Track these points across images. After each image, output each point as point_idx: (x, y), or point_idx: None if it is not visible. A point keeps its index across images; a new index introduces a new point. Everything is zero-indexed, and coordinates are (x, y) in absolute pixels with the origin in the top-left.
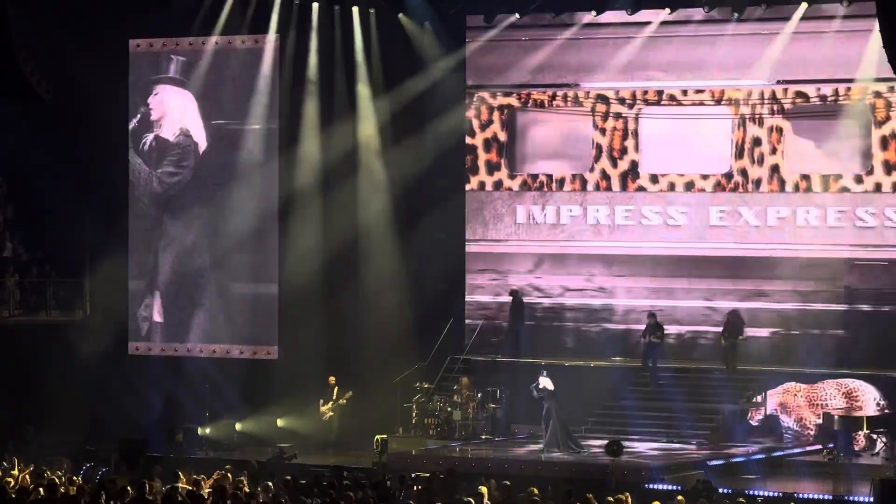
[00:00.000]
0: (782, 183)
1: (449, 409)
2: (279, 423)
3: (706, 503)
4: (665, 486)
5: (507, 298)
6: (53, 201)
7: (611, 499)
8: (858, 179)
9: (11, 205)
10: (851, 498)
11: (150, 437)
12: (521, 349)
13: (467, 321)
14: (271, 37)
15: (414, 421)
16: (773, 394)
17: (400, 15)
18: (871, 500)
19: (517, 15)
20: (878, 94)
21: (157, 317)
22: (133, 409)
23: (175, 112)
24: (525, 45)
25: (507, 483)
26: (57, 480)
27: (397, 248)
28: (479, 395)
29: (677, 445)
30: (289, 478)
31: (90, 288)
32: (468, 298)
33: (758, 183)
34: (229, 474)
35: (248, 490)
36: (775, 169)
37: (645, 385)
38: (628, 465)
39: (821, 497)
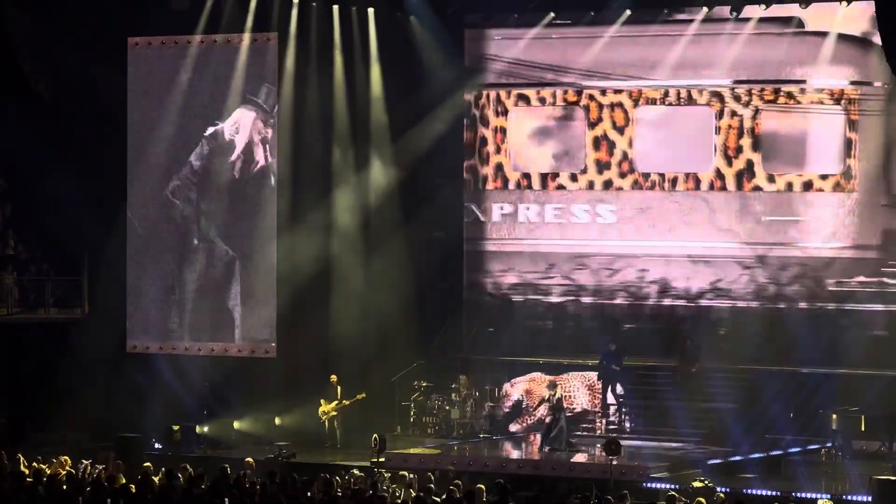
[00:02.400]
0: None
1: (447, 407)
2: (277, 421)
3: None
4: (663, 486)
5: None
6: (52, 199)
7: (610, 497)
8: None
9: (10, 203)
10: (850, 497)
11: (148, 436)
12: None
13: (466, 319)
14: (270, 35)
15: (412, 419)
16: (521, 381)
17: (399, 13)
18: (870, 499)
19: (515, 14)
20: None
21: (157, 315)
22: (132, 408)
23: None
24: (524, 42)
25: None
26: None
27: (396, 246)
28: (478, 394)
29: (675, 444)
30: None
31: (89, 286)
32: (466, 297)
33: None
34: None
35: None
36: None
37: (646, 384)
38: (626, 464)
39: (819, 496)
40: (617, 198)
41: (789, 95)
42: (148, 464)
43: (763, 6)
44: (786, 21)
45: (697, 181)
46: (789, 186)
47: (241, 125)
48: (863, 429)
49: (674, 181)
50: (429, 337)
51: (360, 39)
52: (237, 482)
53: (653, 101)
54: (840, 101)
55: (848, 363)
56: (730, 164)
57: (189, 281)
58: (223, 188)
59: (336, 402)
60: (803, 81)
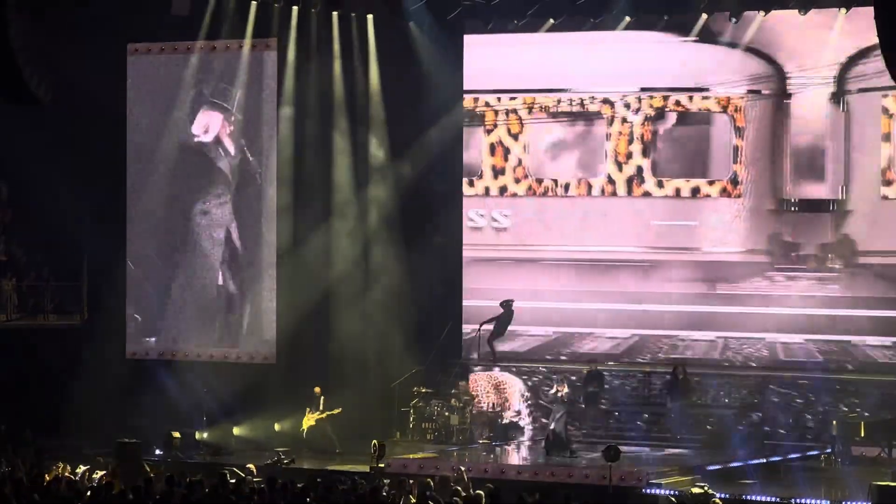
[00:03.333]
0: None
1: (447, 413)
2: (277, 427)
3: None
4: (662, 492)
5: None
6: (52, 205)
7: None
8: None
9: (10, 208)
10: (849, 503)
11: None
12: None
13: (465, 325)
14: (270, 43)
15: (412, 425)
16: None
17: (398, 19)
18: None
19: (515, 21)
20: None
21: (156, 321)
22: (131, 414)
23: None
24: (523, 49)
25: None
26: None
27: (395, 253)
28: (477, 400)
29: (675, 450)
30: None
31: (88, 292)
32: (466, 303)
33: None
34: None
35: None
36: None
37: (644, 390)
38: (625, 470)
39: (818, 502)
40: (512, 203)
41: (677, 103)
42: (148, 468)
43: (762, 13)
44: (682, 30)
45: (589, 187)
46: (678, 192)
47: (232, 129)
48: (862, 434)
49: (566, 186)
50: (428, 342)
51: (360, 46)
52: (237, 488)
53: (545, 109)
54: (727, 109)
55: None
56: (620, 169)
57: (189, 287)
58: (222, 194)
59: (317, 413)
60: (692, 89)
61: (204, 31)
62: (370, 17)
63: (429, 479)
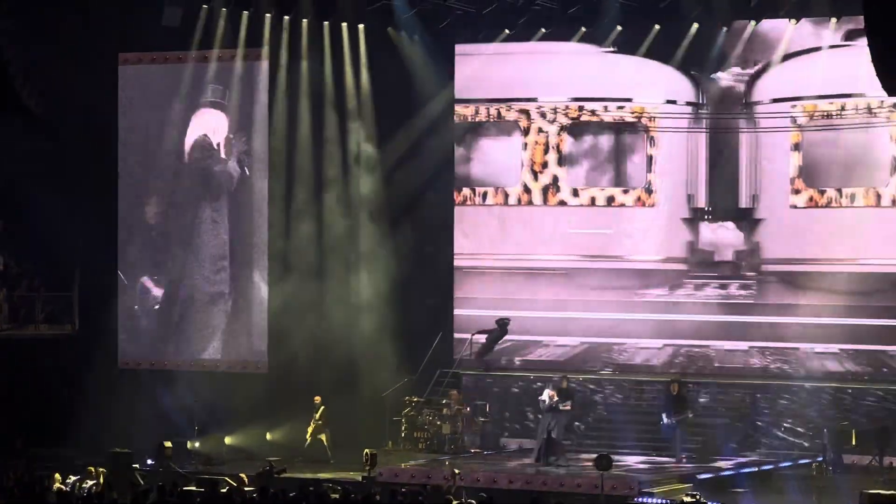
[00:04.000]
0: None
1: (438, 422)
2: (268, 437)
3: None
4: (654, 500)
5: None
6: (43, 215)
7: None
8: None
9: (1, 218)
10: None
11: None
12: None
13: (456, 335)
14: (262, 52)
15: (403, 434)
16: None
17: (389, 29)
18: None
19: (506, 30)
20: None
21: (148, 331)
22: (123, 424)
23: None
24: (513, 59)
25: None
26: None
27: (387, 262)
28: (468, 409)
29: (666, 459)
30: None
31: (79, 302)
32: (457, 312)
33: None
34: None
35: None
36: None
37: (636, 399)
38: (617, 479)
39: None
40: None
41: (593, 113)
42: (140, 478)
43: (752, 23)
44: (600, 41)
45: (506, 195)
46: (592, 201)
47: (223, 139)
48: (853, 443)
49: (484, 195)
50: (420, 352)
51: (351, 55)
52: (227, 498)
53: (464, 118)
54: (640, 119)
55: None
56: (536, 178)
57: (180, 297)
58: (215, 203)
59: (314, 421)
60: (608, 99)
61: (195, 40)
62: (361, 27)
63: (423, 487)
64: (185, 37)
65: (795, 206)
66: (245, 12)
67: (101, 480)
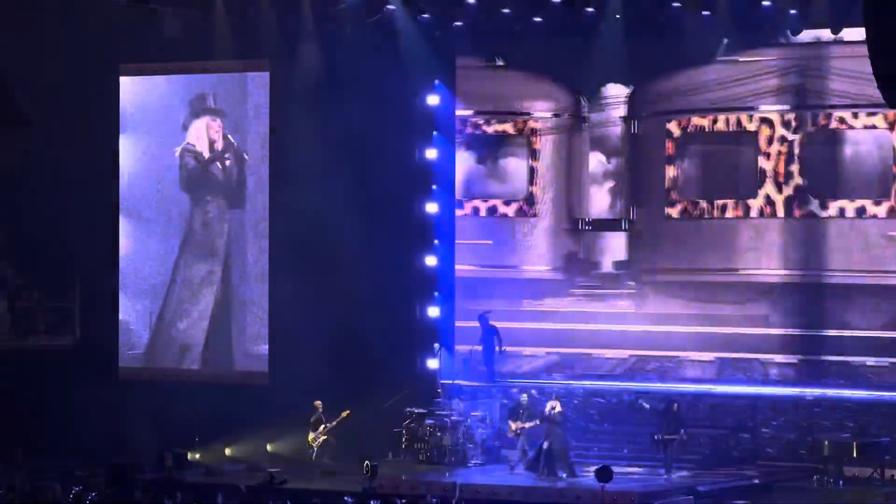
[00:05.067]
0: None
1: (438, 433)
2: (269, 447)
3: None
4: None
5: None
6: (44, 225)
7: None
8: None
9: (2, 229)
10: None
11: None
12: (491, 375)
13: (457, 346)
14: (262, 62)
15: (404, 446)
16: None
17: (389, 37)
18: None
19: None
20: None
21: (147, 342)
22: (123, 434)
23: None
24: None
25: None
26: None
27: (388, 273)
28: (469, 421)
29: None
30: None
31: (80, 312)
32: (458, 324)
33: None
34: None
35: None
36: None
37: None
38: (617, 490)
39: None
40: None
41: (476, 126)
42: None
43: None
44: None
45: None
46: (475, 211)
47: (233, 148)
48: (855, 455)
49: None
50: (421, 363)
51: (351, 65)
52: None
53: None
54: (522, 132)
55: None
56: None
57: (181, 308)
58: (217, 211)
59: (323, 426)
60: (492, 113)
61: (196, 51)
62: (361, 34)
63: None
64: (186, 47)
65: (671, 217)
66: (246, 22)
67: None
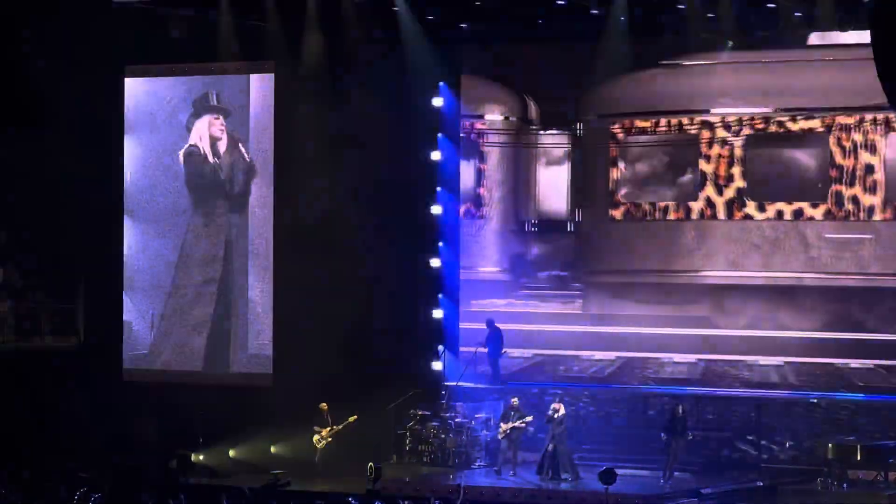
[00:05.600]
0: None
1: (443, 436)
2: (273, 449)
3: None
4: None
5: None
6: (48, 227)
7: None
8: None
9: (6, 231)
10: None
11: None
12: (497, 379)
13: (461, 348)
14: (267, 64)
15: (408, 448)
16: None
17: (393, 39)
18: None
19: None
20: None
21: (152, 343)
22: (127, 436)
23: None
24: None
25: None
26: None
27: (393, 275)
28: (473, 423)
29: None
30: None
31: (84, 314)
32: (462, 326)
33: None
34: None
35: None
36: None
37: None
38: (621, 493)
39: None
40: None
41: None
42: None
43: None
44: None
45: None
46: None
47: (237, 150)
48: (859, 458)
49: None
50: (425, 365)
51: (357, 68)
52: None
53: None
54: (470, 134)
55: None
56: None
57: (185, 310)
58: (220, 212)
59: (329, 428)
60: None
61: (201, 53)
62: (366, 37)
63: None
64: (191, 48)
65: (615, 219)
66: (251, 23)
67: (107, 493)
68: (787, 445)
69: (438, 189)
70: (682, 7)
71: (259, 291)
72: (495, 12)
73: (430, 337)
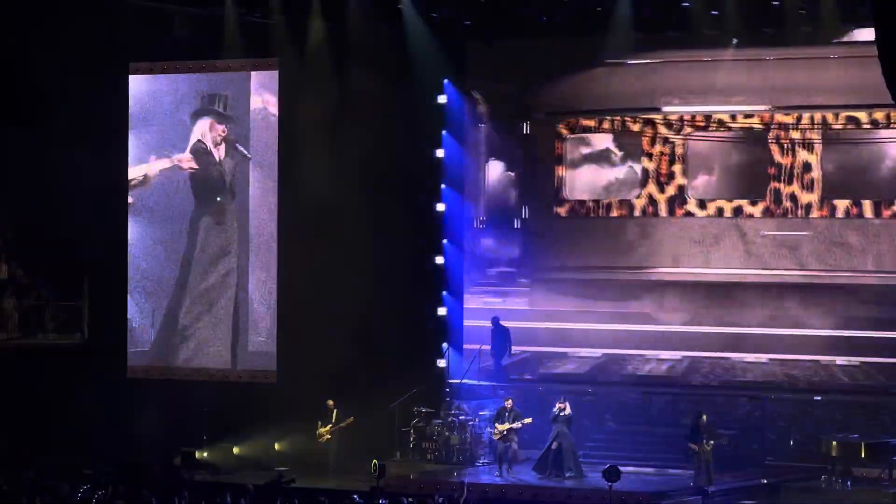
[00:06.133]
0: None
1: (447, 433)
2: (277, 446)
3: None
4: None
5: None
6: (53, 224)
7: None
8: None
9: (10, 227)
10: None
11: (148, 461)
12: (501, 376)
13: (465, 345)
14: (271, 60)
15: (412, 445)
16: None
17: (397, 30)
18: None
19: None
20: None
21: (156, 340)
22: (132, 433)
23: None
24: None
25: None
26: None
27: (397, 272)
28: (477, 420)
29: (675, 471)
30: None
31: (89, 311)
32: (466, 323)
33: None
34: None
35: None
36: None
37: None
38: (625, 491)
39: None
40: None
41: None
42: None
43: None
44: None
45: None
46: None
47: (232, 143)
48: (863, 455)
49: None
50: (429, 363)
51: (361, 62)
52: None
53: None
54: None
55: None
56: None
57: (189, 306)
58: (224, 210)
59: (331, 424)
60: None
61: (205, 50)
62: (371, 32)
63: (431, 497)
64: (195, 47)
65: (560, 216)
66: (255, 20)
67: (111, 490)
68: (792, 442)
69: (443, 186)
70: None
71: (263, 288)
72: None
73: (434, 334)
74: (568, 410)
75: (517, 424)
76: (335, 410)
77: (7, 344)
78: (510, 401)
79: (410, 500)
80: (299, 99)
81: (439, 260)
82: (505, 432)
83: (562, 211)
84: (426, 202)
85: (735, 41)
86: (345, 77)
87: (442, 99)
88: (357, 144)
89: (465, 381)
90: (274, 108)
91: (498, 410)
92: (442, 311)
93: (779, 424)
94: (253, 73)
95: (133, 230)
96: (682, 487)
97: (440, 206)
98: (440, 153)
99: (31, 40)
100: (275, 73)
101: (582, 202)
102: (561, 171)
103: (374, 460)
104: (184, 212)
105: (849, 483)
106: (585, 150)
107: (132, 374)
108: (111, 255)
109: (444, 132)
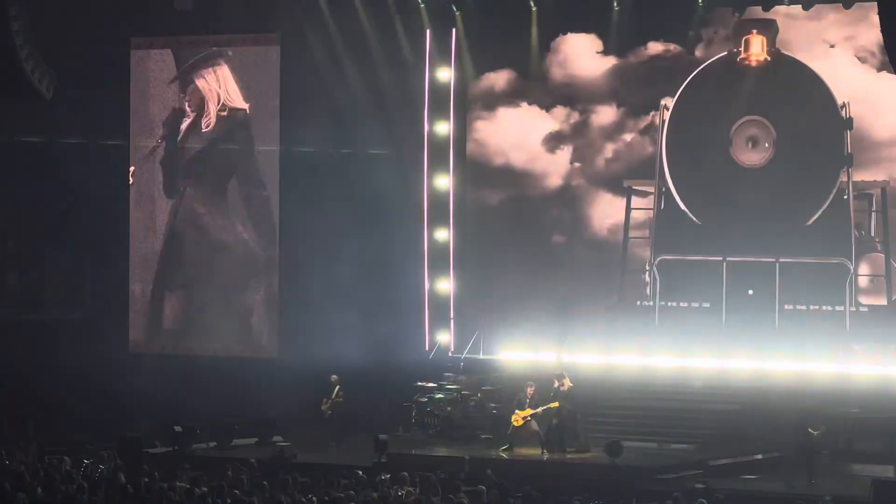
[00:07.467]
0: None
1: (448, 408)
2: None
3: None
4: (665, 488)
5: None
6: (55, 198)
7: None
8: None
9: (12, 202)
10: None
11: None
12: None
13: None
14: (273, 35)
15: (413, 420)
16: None
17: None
18: (871, 499)
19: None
20: None
21: (158, 316)
22: (133, 408)
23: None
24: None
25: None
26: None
27: (399, 248)
28: (479, 395)
29: (678, 445)
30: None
31: (91, 285)
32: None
33: None
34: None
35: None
36: None
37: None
38: (628, 465)
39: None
40: None
41: None
42: None
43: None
44: None
45: None
46: None
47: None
48: (864, 430)
49: None
50: (431, 337)
51: (363, 40)
52: (237, 482)
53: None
54: None
55: None
56: None
57: (190, 281)
58: (226, 188)
59: (331, 400)
60: None
61: (207, 24)
62: (374, 11)
63: (433, 472)
64: (197, 21)
65: None
66: None
67: (113, 464)
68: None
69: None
70: None
71: (265, 264)
72: None
73: (437, 309)
74: (568, 384)
75: (541, 409)
76: (338, 387)
77: (9, 318)
78: (531, 388)
79: (412, 474)
80: (301, 73)
81: (442, 235)
82: (529, 418)
83: None
84: (430, 178)
85: None
86: (351, 57)
87: (444, 77)
88: (359, 123)
89: (466, 355)
90: (276, 85)
91: (518, 398)
92: (445, 286)
93: None
94: (255, 49)
95: (134, 204)
96: (682, 463)
97: (443, 183)
98: (444, 130)
99: (31, 15)
100: (277, 49)
101: None
102: None
103: (376, 435)
104: (186, 187)
105: (850, 457)
106: None
107: (134, 348)
108: (113, 230)
109: (449, 110)
